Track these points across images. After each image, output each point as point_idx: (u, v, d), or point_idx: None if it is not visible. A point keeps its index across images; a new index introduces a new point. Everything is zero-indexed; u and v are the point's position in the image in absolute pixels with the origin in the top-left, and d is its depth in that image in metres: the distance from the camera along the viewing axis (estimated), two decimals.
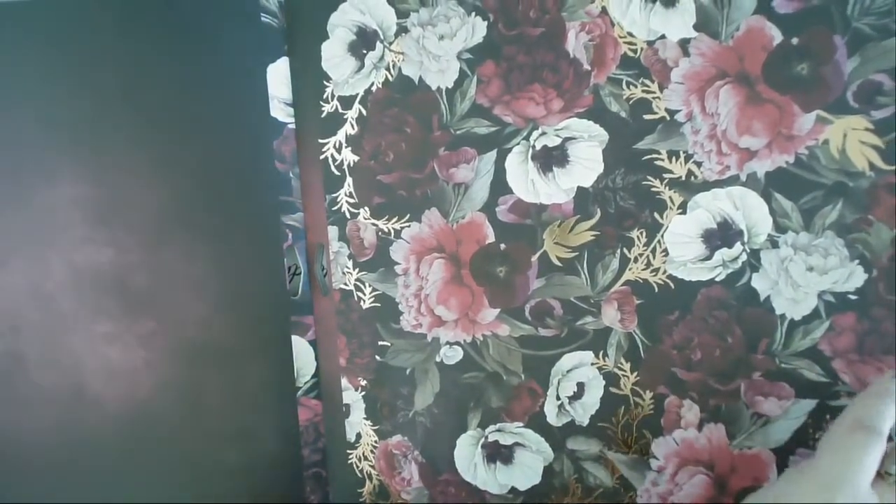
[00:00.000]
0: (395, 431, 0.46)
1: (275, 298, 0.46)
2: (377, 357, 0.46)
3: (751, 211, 0.38)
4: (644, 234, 0.40)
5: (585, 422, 0.42)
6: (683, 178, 0.39)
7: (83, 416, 0.45)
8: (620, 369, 0.41)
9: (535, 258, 0.42)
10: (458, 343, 0.44)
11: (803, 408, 0.38)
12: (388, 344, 0.45)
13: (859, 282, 0.37)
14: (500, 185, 0.42)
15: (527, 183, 0.42)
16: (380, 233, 0.45)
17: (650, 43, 0.39)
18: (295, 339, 0.46)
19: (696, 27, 0.38)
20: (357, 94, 0.44)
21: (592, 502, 0.43)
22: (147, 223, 0.45)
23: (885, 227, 0.36)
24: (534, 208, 0.42)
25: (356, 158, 0.45)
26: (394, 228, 0.45)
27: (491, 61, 0.42)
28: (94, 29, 0.44)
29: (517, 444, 0.44)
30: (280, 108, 0.46)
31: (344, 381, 0.47)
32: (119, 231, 0.45)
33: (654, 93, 0.39)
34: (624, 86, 0.40)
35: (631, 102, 0.40)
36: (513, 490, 0.44)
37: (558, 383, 0.43)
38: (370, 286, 0.46)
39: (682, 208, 0.39)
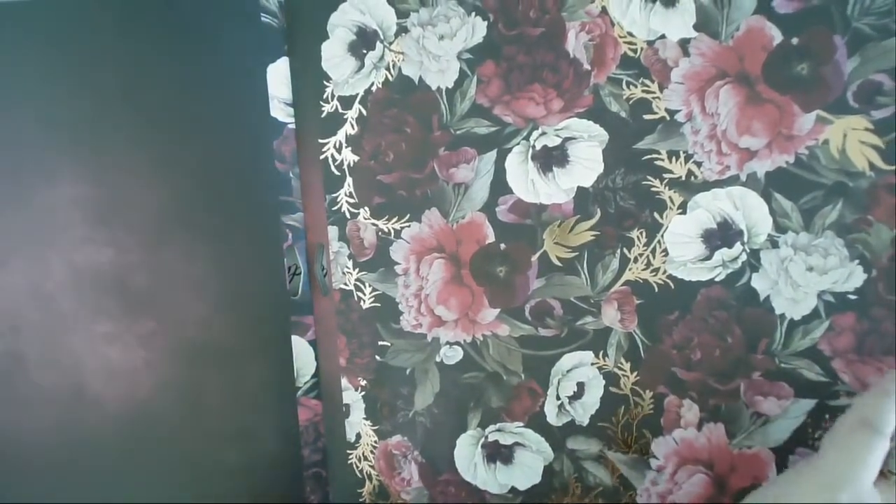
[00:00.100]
0: (394, 431, 0.46)
1: (275, 298, 0.46)
2: (377, 357, 0.46)
3: (751, 211, 0.38)
4: (644, 234, 0.40)
5: (585, 421, 0.42)
6: (683, 178, 0.39)
7: (83, 416, 0.45)
8: (620, 369, 0.41)
9: (535, 258, 0.42)
10: (458, 343, 0.44)
11: (803, 407, 0.38)
12: (388, 344, 0.45)
13: (859, 282, 0.37)
14: (500, 185, 0.42)
15: (527, 183, 0.42)
16: (380, 233, 0.45)
17: (650, 43, 0.39)
18: (295, 339, 0.46)
19: (696, 27, 0.38)
20: (357, 94, 0.44)
21: (592, 502, 0.43)
22: (147, 223, 0.45)
23: (884, 227, 0.36)
24: (534, 208, 0.42)
25: (356, 158, 0.45)
26: (394, 228, 0.45)
27: (491, 61, 0.42)
28: (94, 29, 0.44)
29: (517, 443, 0.44)
30: (280, 108, 0.45)
31: (344, 381, 0.46)
32: (119, 231, 0.45)
33: (654, 93, 0.39)
34: (624, 86, 0.40)
35: (631, 102, 0.40)
36: (513, 490, 0.44)
37: (558, 383, 0.43)
38: (370, 286, 0.45)
39: (682, 208, 0.39)
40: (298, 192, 0.46)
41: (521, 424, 0.43)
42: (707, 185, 0.39)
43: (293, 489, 0.47)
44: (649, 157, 0.40)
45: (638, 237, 0.40)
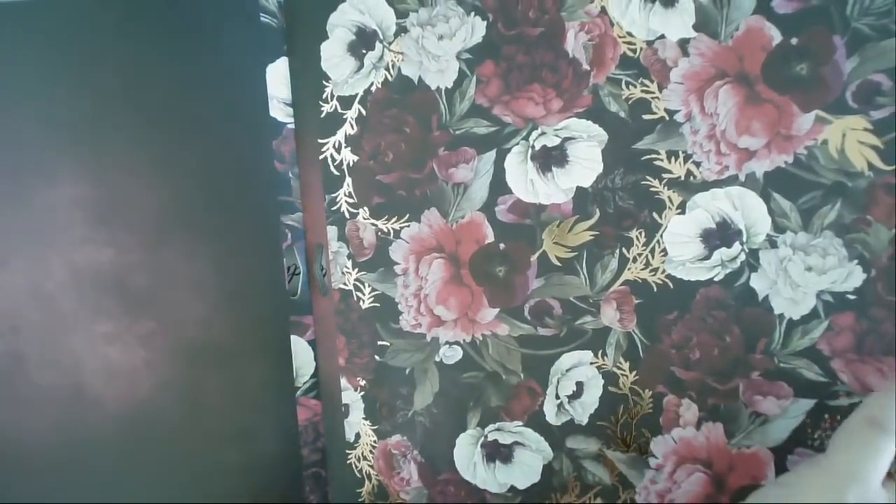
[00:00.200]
0: (394, 431, 0.46)
1: (274, 298, 0.45)
2: (376, 357, 0.45)
3: (749, 211, 0.38)
4: (643, 233, 0.40)
5: (584, 421, 0.42)
6: (682, 178, 0.39)
7: (83, 416, 0.45)
8: (619, 368, 0.41)
9: (534, 258, 0.42)
10: (457, 343, 0.44)
11: (802, 407, 0.38)
12: (388, 344, 0.45)
13: (858, 282, 0.37)
14: (499, 185, 0.42)
15: (526, 183, 0.42)
16: (379, 233, 0.45)
17: (649, 43, 0.39)
18: (294, 338, 0.46)
19: (696, 27, 0.38)
20: (356, 94, 0.44)
21: (591, 501, 0.42)
22: (147, 223, 0.44)
23: (883, 227, 0.36)
24: (533, 208, 0.42)
25: (355, 158, 0.45)
26: (393, 228, 0.44)
27: (490, 61, 0.41)
28: (94, 29, 0.44)
29: (516, 443, 0.44)
30: (279, 108, 0.45)
31: (343, 381, 0.46)
32: (119, 231, 0.44)
33: (653, 93, 0.39)
34: (623, 86, 0.39)
35: (630, 102, 0.39)
36: (512, 489, 0.44)
37: (557, 382, 0.42)
38: (369, 286, 0.45)
39: (681, 208, 0.39)
40: (298, 192, 0.46)
41: (521, 424, 0.43)
42: (706, 185, 0.39)
43: (292, 489, 0.46)
44: (648, 157, 0.39)
45: (637, 237, 0.40)
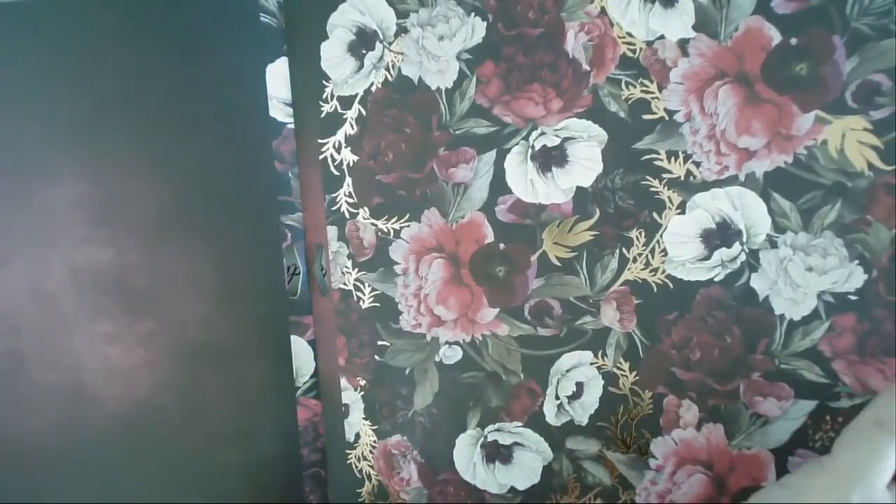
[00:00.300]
0: (394, 431, 0.46)
1: (274, 298, 0.45)
2: (376, 357, 0.45)
3: (749, 211, 0.38)
4: (643, 233, 0.40)
5: (584, 421, 0.42)
6: (682, 178, 0.39)
7: (83, 416, 0.45)
8: (619, 369, 0.41)
9: (534, 258, 0.42)
10: (457, 343, 0.44)
11: (803, 408, 0.38)
12: (388, 344, 0.45)
13: (859, 282, 0.36)
14: (499, 185, 0.42)
15: (526, 183, 0.41)
16: (379, 233, 0.44)
17: (649, 43, 0.39)
18: (294, 338, 0.46)
19: (695, 27, 0.38)
20: (356, 95, 0.44)
21: (591, 501, 0.42)
22: (147, 223, 0.44)
23: (883, 227, 0.36)
24: (533, 208, 0.41)
25: (355, 158, 0.44)
26: (393, 228, 0.44)
27: (490, 61, 0.41)
28: (94, 29, 0.43)
29: (516, 443, 0.43)
30: (279, 108, 0.45)
31: (343, 381, 0.46)
32: (119, 231, 0.44)
33: (653, 93, 0.39)
34: (623, 86, 0.39)
35: (630, 102, 0.39)
36: (512, 489, 0.44)
37: (557, 383, 0.42)
38: (369, 286, 0.45)
39: (681, 208, 0.39)
40: (298, 192, 0.46)
41: (521, 424, 0.43)
42: (706, 185, 0.38)
43: (292, 489, 0.46)
44: (648, 157, 0.39)
45: (637, 237, 0.40)
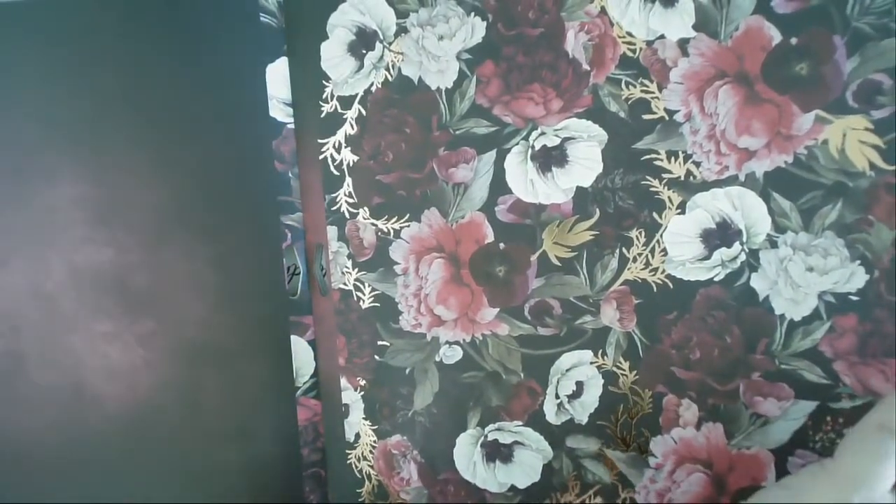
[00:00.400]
0: (394, 431, 0.45)
1: (274, 298, 0.45)
2: (376, 357, 0.45)
3: (749, 211, 0.37)
4: (643, 233, 0.39)
5: (584, 420, 0.41)
6: (682, 178, 0.38)
7: (83, 416, 0.44)
8: (619, 368, 0.40)
9: (534, 258, 0.41)
10: (457, 342, 0.43)
11: (803, 409, 0.37)
12: (388, 344, 0.44)
13: (860, 283, 0.36)
14: (499, 185, 0.41)
15: (526, 183, 0.41)
16: (379, 233, 0.44)
17: (649, 43, 0.38)
18: (294, 338, 0.45)
19: (696, 27, 0.37)
20: (356, 95, 0.43)
21: (591, 500, 0.42)
22: (147, 223, 0.44)
23: (885, 227, 0.35)
24: (533, 208, 0.41)
25: (355, 158, 0.44)
26: (393, 228, 0.44)
27: (490, 61, 0.41)
28: (94, 29, 0.43)
29: (516, 442, 0.43)
30: (279, 108, 0.44)
31: (343, 381, 0.45)
32: (119, 231, 0.44)
33: (653, 93, 0.38)
34: (623, 86, 0.39)
35: (630, 102, 0.39)
36: (512, 488, 0.43)
37: (557, 382, 0.42)
38: (369, 286, 0.44)
39: (681, 208, 0.38)
40: (298, 192, 0.45)
41: (521, 423, 0.43)
42: (706, 185, 0.38)
43: (292, 489, 0.46)
44: (648, 157, 0.39)
45: (637, 237, 0.39)
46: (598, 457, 0.41)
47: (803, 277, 0.37)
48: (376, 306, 0.44)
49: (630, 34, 0.38)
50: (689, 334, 0.39)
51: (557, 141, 0.40)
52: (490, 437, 0.43)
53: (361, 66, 0.43)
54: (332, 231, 0.45)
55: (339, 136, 0.44)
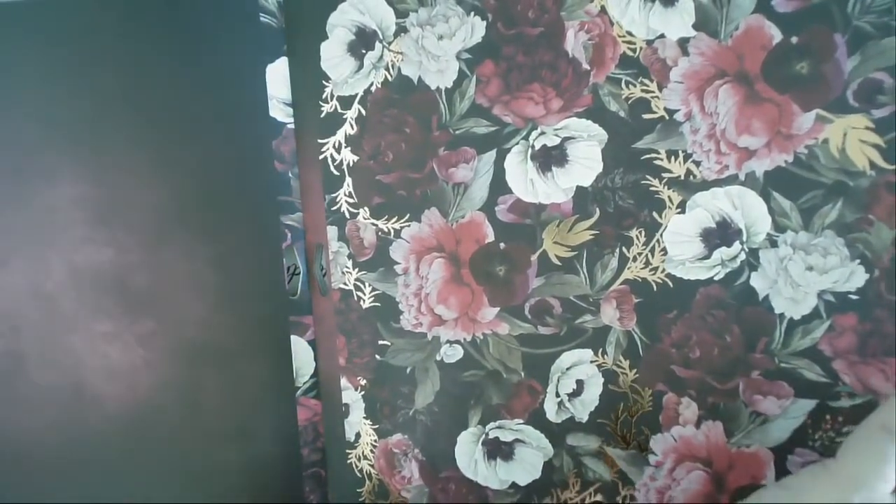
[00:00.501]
0: (395, 430, 0.44)
1: (274, 298, 0.44)
2: (377, 356, 0.44)
3: (749, 210, 0.37)
4: (643, 233, 0.38)
5: (585, 418, 0.41)
6: (682, 178, 0.38)
7: (83, 416, 0.43)
8: (619, 367, 0.40)
9: (534, 257, 0.40)
10: (458, 342, 0.42)
11: (802, 408, 0.36)
12: (388, 343, 0.44)
13: (860, 282, 0.35)
14: (499, 185, 0.40)
15: (526, 182, 0.40)
16: (379, 232, 0.43)
17: (649, 42, 0.37)
18: (294, 338, 0.44)
19: (696, 26, 0.36)
20: (356, 94, 0.42)
21: (591, 497, 0.41)
22: (147, 223, 0.43)
23: (885, 226, 0.35)
24: (533, 208, 0.40)
25: (355, 158, 0.43)
26: (393, 228, 0.43)
27: (490, 61, 0.40)
28: (94, 29, 0.42)
29: (517, 440, 0.42)
30: (279, 108, 0.44)
31: (343, 381, 0.45)
32: (119, 231, 0.43)
33: (653, 92, 0.37)
34: (623, 85, 0.38)
35: (630, 102, 0.38)
36: (513, 485, 0.43)
37: (558, 381, 0.41)
38: (370, 286, 0.44)
39: (681, 207, 0.38)
40: (298, 192, 0.44)
41: (522, 421, 0.42)
42: (706, 185, 0.37)
43: (292, 489, 0.45)
44: (648, 156, 0.38)
45: (637, 236, 0.39)
46: (598, 454, 0.41)
47: (803, 276, 0.36)
48: (377, 306, 0.43)
49: (630, 33, 0.37)
50: (689, 333, 0.38)
51: (557, 140, 0.39)
52: (491, 436, 0.43)
53: (361, 66, 0.42)
54: (332, 231, 0.44)
55: (339, 136, 0.43)
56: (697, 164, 0.37)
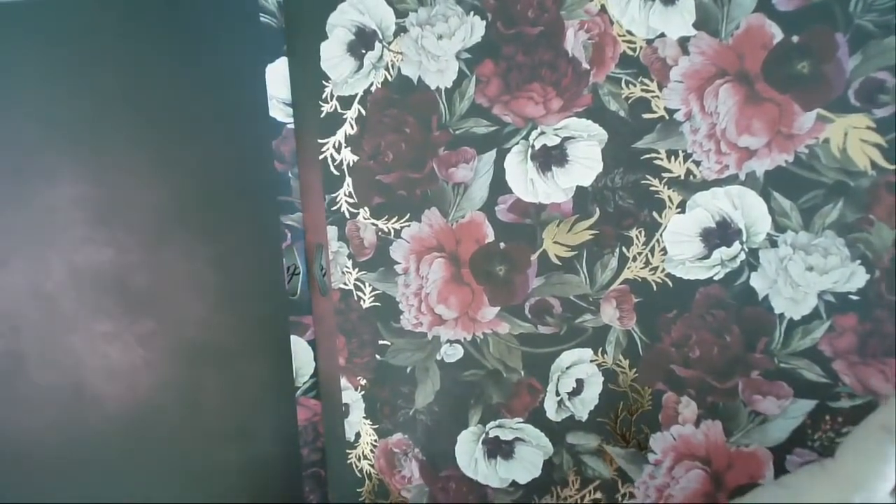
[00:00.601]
0: (395, 430, 0.43)
1: (274, 298, 0.43)
2: (377, 356, 0.43)
3: (749, 210, 0.36)
4: (643, 233, 0.38)
5: (584, 417, 0.40)
6: (682, 178, 0.37)
7: (83, 416, 0.42)
8: (619, 366, 0.39)
9: (534, 257, 0.39)
10: (458, 341, 0.42)
11: (802, 408, 0.36)
12: (389, 343, 0.43)
13: (861, 282, 0.34)
14: (499, 185, 0.40)
15: (526, 182, 0.39)
16: (379, 232, 0.42)
17: (649, 41, 0.36)
18: (294, 339, 0.44)
19: (696, 25, 0.36)
20: (356, 94, 0.41)
21: (591, 495, 0.40)
22: (147, 223, 0.42)
23: (886, 226, 0.34)
24: (533, 208, 0.39)
25: (355, 158, 0.42)
26: (393, 228, 0.42)
27: (490, 61, 0.39)
28: (94, 29, 0.41)
29: (517, 439, 0.41)
30: (279, 108, 0.43)
31: (343, 381, 0.44)
32: (119, 231, 0.42)
33: (653, 92, 0.37)
34: (623, 85, 0.37)
35: (630, 101, 0.37)
36: (513, 484, 0.42)
37: (558, 380, 0.40)
38: (370, 286, 0.43)
39: (681, 207, 0.37)
40: (297, 192, 0.43)
41: (522, 420, 0.41)
42: (706, 185, 0.36)
43: (292, 489, 0.44)
44: (648, 156, 0.37)
45: (637, 236, 0.38)
46: (597, 453, 0.40)
47: (803, 277, 0.35)
48: (377, 306, 0.43)
49: (630, 32, 0.37)
50: (689, 333, 0.37)
51: (557, 140, 0.38)
52: (491, 434, 0.42)
53: (361, 66, 0.41)
54: (332, 231, 0.43)
55: (339, 136, 0.42)
56: (697, 163, 0.36)
